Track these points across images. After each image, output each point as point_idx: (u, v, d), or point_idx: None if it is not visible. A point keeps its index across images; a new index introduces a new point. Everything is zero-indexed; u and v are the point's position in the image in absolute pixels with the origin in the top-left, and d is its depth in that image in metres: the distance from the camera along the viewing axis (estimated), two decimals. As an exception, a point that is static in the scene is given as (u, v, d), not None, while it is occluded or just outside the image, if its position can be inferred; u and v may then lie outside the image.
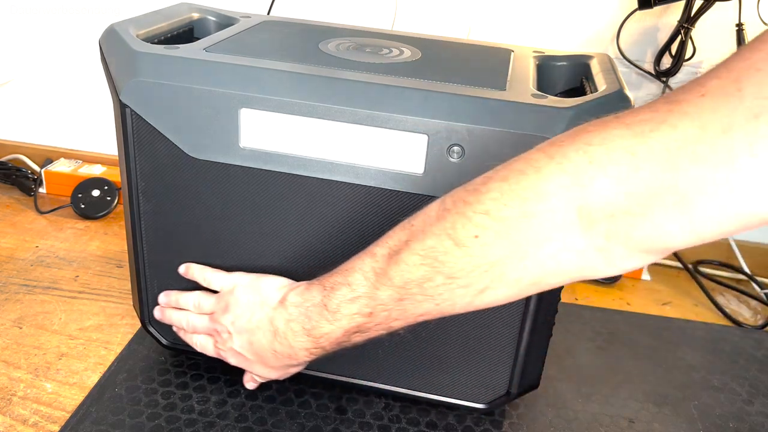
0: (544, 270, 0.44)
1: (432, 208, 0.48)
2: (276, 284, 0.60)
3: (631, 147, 0.38)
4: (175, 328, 0.68)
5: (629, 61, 0.96)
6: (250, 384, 0.69)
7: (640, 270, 1.01)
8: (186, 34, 0.74)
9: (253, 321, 0.59)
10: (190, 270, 0.66)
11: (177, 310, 0.67)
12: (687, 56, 0.93)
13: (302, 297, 0.56)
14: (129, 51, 0.60)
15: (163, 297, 0.68)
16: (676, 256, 1.01)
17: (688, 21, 0.90)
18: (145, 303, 0.70)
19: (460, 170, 0.55)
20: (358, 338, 0.54)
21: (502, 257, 0.44)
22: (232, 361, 0.63)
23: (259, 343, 0.59)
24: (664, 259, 1.04)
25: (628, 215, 0.39)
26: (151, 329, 0.71)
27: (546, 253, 0.43)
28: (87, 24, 1.08)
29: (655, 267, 1.04)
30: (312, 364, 0.65)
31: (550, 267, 0.43)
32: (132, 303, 0.73)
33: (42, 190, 1.12)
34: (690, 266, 1.02)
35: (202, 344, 0.65)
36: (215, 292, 0.64)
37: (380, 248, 0.50)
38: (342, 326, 0.52)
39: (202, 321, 0.64)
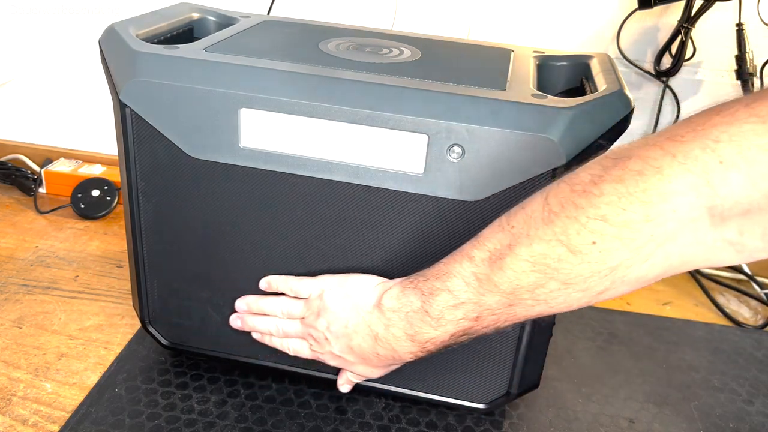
0: (669, 266, 0.41)
1: (534, 209, 0.45)
2: (366, 285, 0.58)
3: (767, 144, 0.35)
4: (257, 335, 0.66)
5: (629, 61, 0.96)
6: (345, 387, 0.66)
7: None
8: (186, 34, 0.74)
9: (350, 326, 0.57)
10: (273, 283, 0.64)
11: (261, 316, 0.65)
12: (687, 56, 0.93)
13: (399, 302, 0.54)
14: (129, 51, 0.60)
15: (241, 304, 0.66)
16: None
17: (688, 21, 0.90)
18: (145, 303, 0.70)
19: (460, 170, 0.55)
20: (464, 339, 0.52)
21: (624, 261, 0.41)
22: (332, 363, 0.62)
23: (359, 347, 0.57)
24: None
25: (766, 212, 0.37)
26: (151, 329, 0.71)
27: (671, 251, 0.40)
28: (87, 24, 1.08)
29: (655, 267, 1.04)
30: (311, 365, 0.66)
31: (676, 263, 0.41)
32: (132, 303, 0.73)
33: (42, 190, 1.12)
34: (690, 266, 1.02)
35: (296, 348, 0.64)
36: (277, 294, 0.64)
37: (479, 251, 0.48)
38: (448, 331, 0.51)
39: (293, 326, 0.63)
